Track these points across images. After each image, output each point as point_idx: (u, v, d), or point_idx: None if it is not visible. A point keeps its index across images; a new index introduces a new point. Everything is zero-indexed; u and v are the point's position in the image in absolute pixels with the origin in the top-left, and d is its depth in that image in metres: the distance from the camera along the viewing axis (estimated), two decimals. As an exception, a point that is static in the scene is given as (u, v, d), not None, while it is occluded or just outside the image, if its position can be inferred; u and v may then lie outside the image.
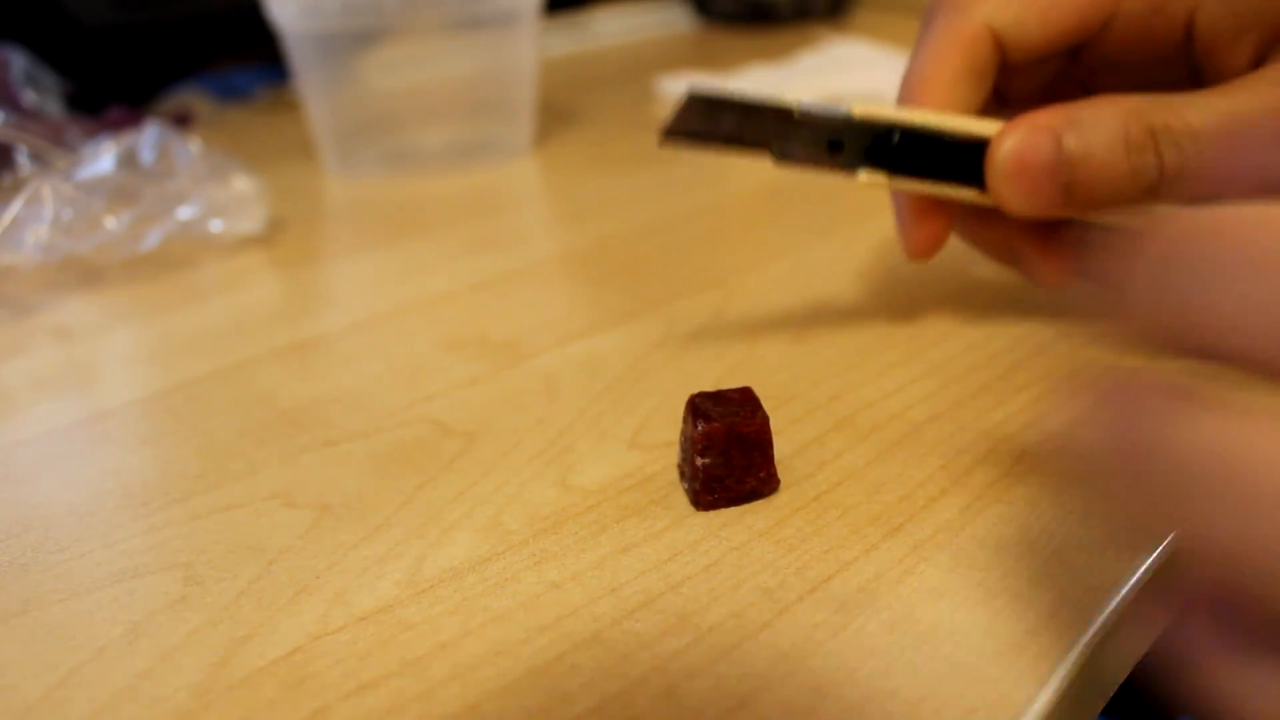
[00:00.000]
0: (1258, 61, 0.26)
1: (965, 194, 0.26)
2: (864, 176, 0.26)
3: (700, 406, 0.22)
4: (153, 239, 0.37)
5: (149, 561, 0.21)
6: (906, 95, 0.26)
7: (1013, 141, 0.24)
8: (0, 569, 0.21)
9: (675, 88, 0.60)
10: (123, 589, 0.20)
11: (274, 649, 0.19)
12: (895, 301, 0.31)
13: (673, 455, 0.24)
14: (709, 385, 0.27)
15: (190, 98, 0.63)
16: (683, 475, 0.23)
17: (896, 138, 0.25)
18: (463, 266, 0.37)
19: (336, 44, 0.46)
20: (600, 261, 0.36)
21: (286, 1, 0.45)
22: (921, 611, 0.19)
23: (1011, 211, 0.25)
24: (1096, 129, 0.24)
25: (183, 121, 0.55)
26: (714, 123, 0.24)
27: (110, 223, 0.37)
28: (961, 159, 0.25)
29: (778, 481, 0.22)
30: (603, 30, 0.80)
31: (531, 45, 0.49)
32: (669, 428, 0.25)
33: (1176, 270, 0.13)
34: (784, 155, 0.25)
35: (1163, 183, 0.24)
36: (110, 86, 0.58)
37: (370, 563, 0.21)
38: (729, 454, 0.22)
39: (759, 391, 0.23)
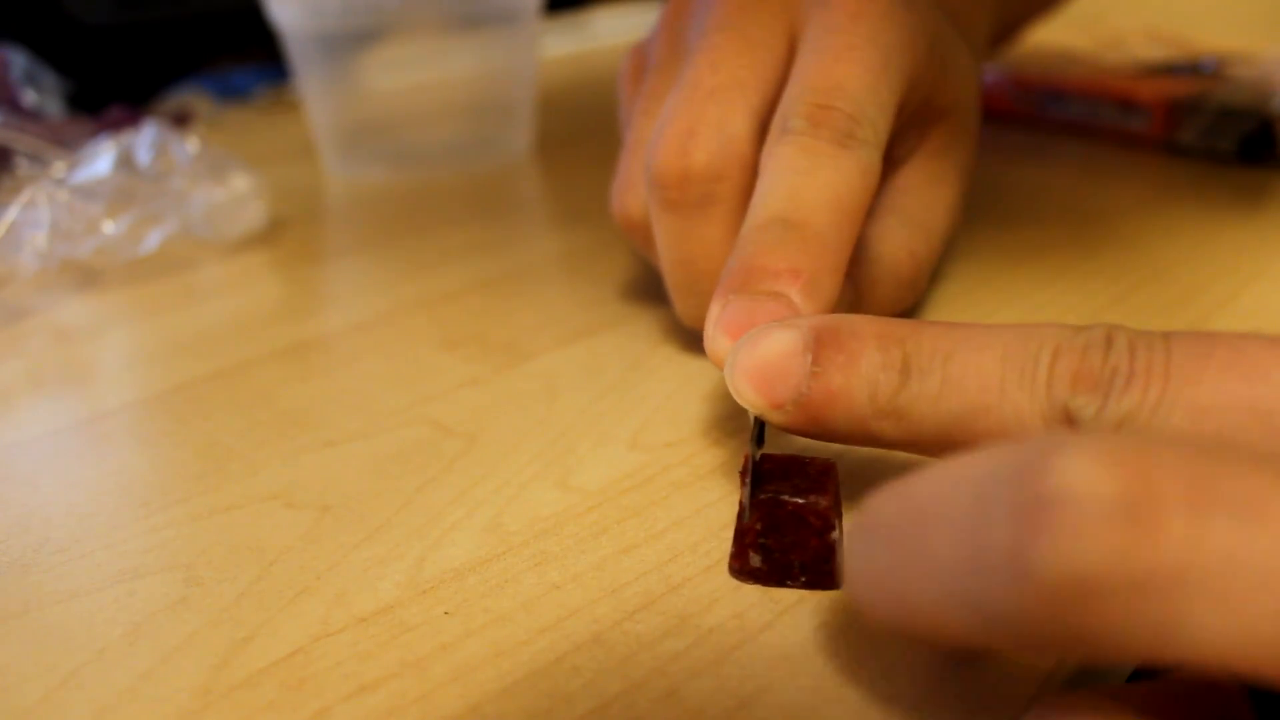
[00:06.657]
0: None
1: None
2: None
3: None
4: (152, 241, 0.37)
5: (149, 562, 0.21)
6: None
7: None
8: (0, 569, 0.21)
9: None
10: (123, 590, 0.20)
11: (274, 650, 0.19)
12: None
13: (674, 456, 0.24)
14: (709, 385, 0.27)
15: (190, 97, 0.63)
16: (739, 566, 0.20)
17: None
18: (463, 266, 0.37)
19: (336, 44, 0.46)
20: (600, 261, 0.36)
21: (286, 1, 0.45)
22: (923, 612, 0.19)
23: None
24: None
25: (182, 121, 0.55)
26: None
27: (109, 227, 0.36)
28: None
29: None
30: (603, 30, 0.80)
31: (531, 45, 0.49)
32: (670, 428, 0.25)
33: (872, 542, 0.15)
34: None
35: None
36: (110, 86, 0.58)
37: (370, 564, 0.21)
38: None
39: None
